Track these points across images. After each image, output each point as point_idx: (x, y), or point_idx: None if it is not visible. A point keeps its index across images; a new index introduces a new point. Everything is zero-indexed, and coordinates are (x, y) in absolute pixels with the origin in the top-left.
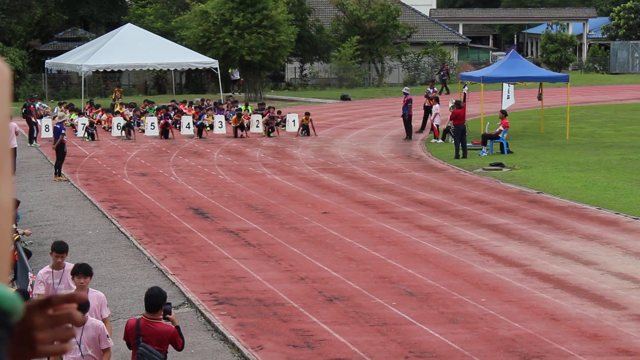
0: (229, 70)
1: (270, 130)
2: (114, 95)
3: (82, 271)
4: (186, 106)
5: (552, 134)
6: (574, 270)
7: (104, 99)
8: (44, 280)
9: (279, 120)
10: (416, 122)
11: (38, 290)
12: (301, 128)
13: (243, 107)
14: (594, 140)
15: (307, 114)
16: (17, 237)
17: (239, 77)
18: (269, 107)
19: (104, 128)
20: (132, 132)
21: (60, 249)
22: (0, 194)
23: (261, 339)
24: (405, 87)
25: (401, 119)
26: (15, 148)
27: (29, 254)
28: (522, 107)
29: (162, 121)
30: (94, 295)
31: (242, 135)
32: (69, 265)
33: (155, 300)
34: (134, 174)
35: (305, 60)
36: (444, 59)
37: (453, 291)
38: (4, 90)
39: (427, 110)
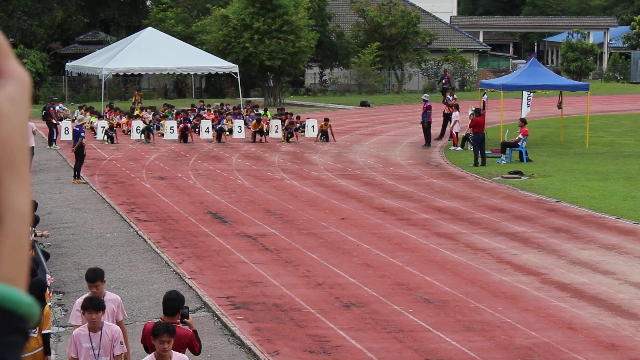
0: (269, 76)
1: (289, 135)
2: (133, 98)
3: (93, 306)
4: (204, 111)
5: (572, 142)
6: (591, 280)
7: (123, 102)
8: (80, 310)
9: (298, 125)
10: (435, 129)
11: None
12: (320, 134)
13: (262, 112)
14: (613, 150)
15: (326, 119)
16: (36, 239)
17: (272, 84)
18: (287, 113)
19: (124, 131)
20: (151, 135)
21: (91, 277)
22: (18, 199)
23: (277, 344)
24: (425, 94)
25: (420, 125)
26: (32, 147)
27: (47, 256)
28: (541, 115)
29: (181, 125)
30: (110, 299)
31: (261, 140)
32: (110, 295)
33: (173, 304)
34: (153, 177)
35: (325, 66)
36: (445, 68)
37: (470, 299)
38: (24, 96)
39: (447, 117)
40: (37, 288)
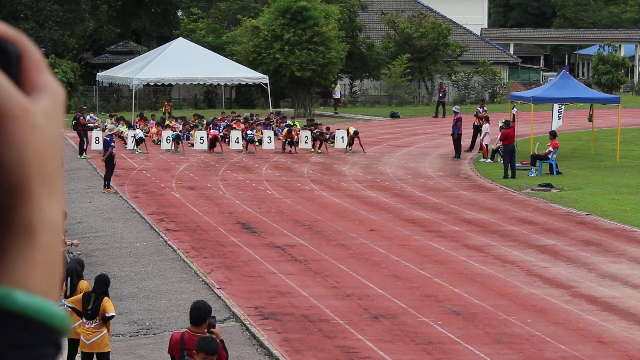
0: (331, 87)
1: (318, 146)
2: (164, 109)
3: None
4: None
5: (602, 155)
6: (622, 294)
7: (154, 112)
8: None
9: (327, 136)
10: (465, 141)
11: None
12: (349, 145)
13: (291, 123)
14: None
15: (356, 132)
16: (66, 247)
17: (339, 96)
18: (316, 124)
19: (154, 141)
20: (180, 143)
21: (210, 349)
22: (51, 212)
23: (306, 355)
24: (456, 106)
25: (450, 137)
26: None
27: (81, 264)
28: (572, 128)
29: (210, 136)
30: None
31: (290, 151)
32: None
33: (200, 314)
34: (183, 187)
35: (355, 77)
36: (441, 80)
37: (499, 311)
38: (58, 110)
39: (477, 129)
40: (103, 284)
